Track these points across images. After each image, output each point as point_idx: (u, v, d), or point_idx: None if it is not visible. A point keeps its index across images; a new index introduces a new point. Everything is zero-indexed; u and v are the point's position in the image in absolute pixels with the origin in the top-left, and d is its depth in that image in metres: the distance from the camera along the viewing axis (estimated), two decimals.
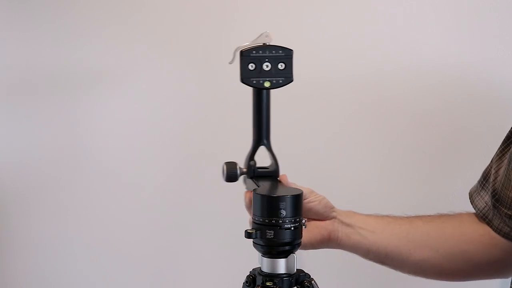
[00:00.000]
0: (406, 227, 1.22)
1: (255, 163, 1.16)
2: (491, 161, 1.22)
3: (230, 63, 1.12)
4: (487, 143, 1.45)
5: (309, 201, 1.16)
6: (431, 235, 1.21)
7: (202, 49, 1.56)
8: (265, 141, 1.16)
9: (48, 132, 1.62)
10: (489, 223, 1.19)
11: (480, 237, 1.19)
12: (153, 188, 1.62)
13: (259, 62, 1.11)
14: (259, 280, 1.06)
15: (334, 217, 1.20)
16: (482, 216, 1.21)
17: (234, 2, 1.56)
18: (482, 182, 1.23)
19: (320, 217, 1.19)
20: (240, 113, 1.56)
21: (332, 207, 1.20)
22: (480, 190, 1.23)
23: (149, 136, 1.61)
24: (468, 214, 1.24)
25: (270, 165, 1.16)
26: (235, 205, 1.50)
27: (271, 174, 1.15)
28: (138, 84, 1.60)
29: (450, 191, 1.50)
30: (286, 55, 1.11)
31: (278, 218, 1.03)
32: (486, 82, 1.48)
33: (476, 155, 1.47)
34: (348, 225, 1.21)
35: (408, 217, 1.24)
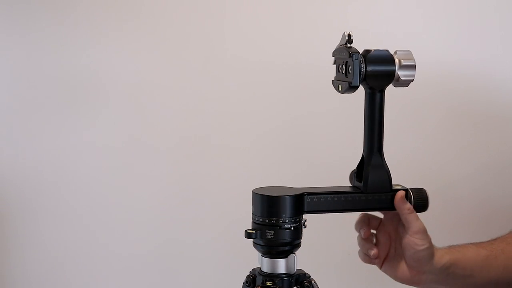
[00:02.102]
0: (502, 258, 1.14)
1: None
2: None
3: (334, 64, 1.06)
4: (487, 142, 1.46)
5: (418, 242, 1.07)
6: None
7: (203, 51, 1.56)
8: (370, 150, 1.07)
9: (49, 132, 1.63)
10: None
11: None
12: (153, 188, 1.62)
13: (339, 64, 1.05)
14: (259, 280, 1.06)
15: (425, 272, 1.09)
16: None
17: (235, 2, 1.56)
18: None
19: (408, 262, 1.10)
20: (238, 113, 1.57)
21: (428, 261, 1.08)
22: None
23: (149, 136, 1.61)
24: None
25: None
26: (235, 205, 1.51)
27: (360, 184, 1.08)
28: (137, 84, 1.60)
29: (450, 189, 1.50)
30: (353, 58, 1.01)
31: (278, 218, 1.03)
32: (487, 80, 1.48)
33: (476, 154, 1.47)
34: (441, 279, 1.10)
35: (490, 243, 1.16)
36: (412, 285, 1.13)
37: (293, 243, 1.05)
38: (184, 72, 1.58)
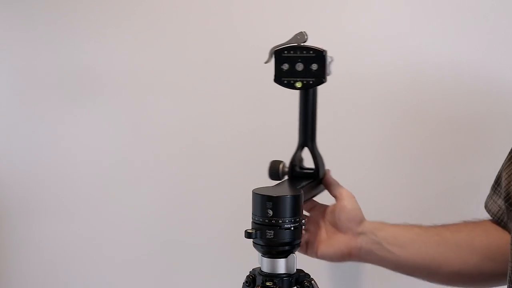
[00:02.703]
0: (436, 239, 1.20)
1: (297, 164, 1.16)
2: (502, 166, 1.21)
3: (266, 62, 1.11)
4: (486, 142, 1.46)
5: (340, 207, 1.16)
6: (461, 246, 1.20)
7: (206, 50, 1.56)
8: (309, 143, 1.16)
9: (49, 132, 1.63)
10: (504, 226, 1.19)
11: (507, 244, 1.16)
12: (153, 188, 1.62)
13: (292, 62, 1.11)
14: (259, 280, 1.06)
15: (359, 233, 1.18)
16: (497, 221, 1.20)
17: (241, 2, 1.56)
18: (494, 187, 1.23)
19: (343, 229, 1.18)
20: (237, 113, 1.57)
21: (360, 222, 1.18)
22: (492, 195, 1.22)
23: (149, 136, 1.61)
24: (491, 221, 1.23)
25: (312, 167, 1.18)
26: (235, 205, 1.51)
27: (310, 176, 1.16)
28: (137, 83, 1.60)
29: (448, 189, 1.50)
30: (318, 55, 1.11)
31: (278, 218, 1.03)
32: (486, 82, 1.48)
33: (476, 154, 1.47)
34: (374, 242, 1.18)
35: (436, 228, 1.22)
36: (350, 258, 1.19)
37: (293, 243, 1.05)
38: (185, 70, 1.58)
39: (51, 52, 1.61)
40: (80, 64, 1.60)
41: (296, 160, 1.18)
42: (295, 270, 1.06)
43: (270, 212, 1.02)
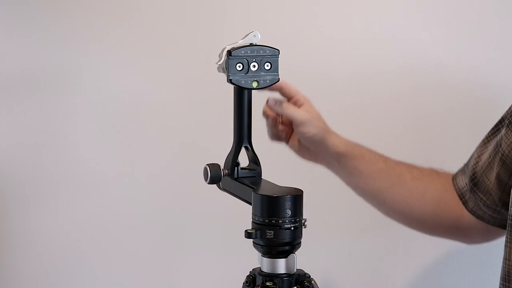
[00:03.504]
0: (394, 180, 1.26)
1: (238, 165, 1.16)
2: (477, 146, 1.24)
3: (218, 63, 1.12)
4: None
5: (304, 131, 1.20)
6: (413, 193, 1.26)
7: (196, 50, 1.56)
8: (247, 142, 1.16)
9: (48, 132, 1.63)
10: (464, 203, 1.24)
11: (456, 205, 1.24)
12: (152, 187, 1.62)
13: (246, 62, 1.11)
14: (259, 280, 1.06)
15: (319, 154, 1.25)
16: (460, 195, 1.25)
17: (232, 1, 1.56)
18: (466, 164, 1.27)
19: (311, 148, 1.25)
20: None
21: (320, 146, 1.22)
22: (463, 171, 1.27)
23: (149, 135, 1.61)
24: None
25: (251, 167, 1.16)
26: (235, 205, 1.51)
27: (255, 175, 1.15)
28: (135, 84, 1.60)
29: None
30: (272, 54, 1.11)
31: (278, 218, 1.03)
32: (486, 83, 1.48)
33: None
34: (338, 162, 1.24)
35: (400, 166, 1.28)
36: (317, 162, 1.28)
37: (293, 243, 1.05)
38: (184, 72, 1.58)
39: (50, 52, 1.61)
40: (78, 64, 1.60)
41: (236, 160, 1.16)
42: (295, 270, 1.06)
43: (286, 212, 1.02)
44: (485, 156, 1.21)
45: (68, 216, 1.65)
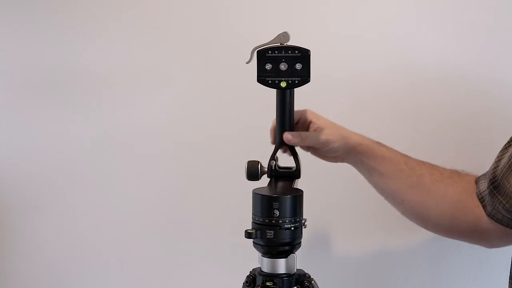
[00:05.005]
0: (413, 181, 1.24)
1: (275, 163, 1.15)
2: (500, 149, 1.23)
3: (248, 62, 1.12)
4: (487, 142, 1.46)
5: (327, 150, 1.20)
6: (432, 195, 1.24)
7: (208, 49, 1.56)
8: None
9: (52, 133, 1.63)
10: (484, 206, 1.21)
11: (475, 208, 1.22)
12: (152, 187, 1.62)
13: (275, 62, 1.11)
14: (259, 280, 1.07)
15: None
16: (480, 198, 1.23)
17: (238, 1, 1.56)
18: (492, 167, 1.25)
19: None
20: (243, 114, 1.57)
21: (347, 146, 1.22)
22: (486, 174, 1.24)
23: (151, 136, 1.61)
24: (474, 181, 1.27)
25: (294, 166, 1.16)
26: (236, 205, 1.51)
27: (291, 175, 1.15)
28: (139, 84, 1.60)
29: None
30: (302, 55, 1.11)
31: (278, 218, 1.03)
32: (486, 81, 1.48)
33: (476, 154, 1.47)
34: (361, 162, 1.24)
35: (421, 167, 1.26)
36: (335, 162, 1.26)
37: (293, 243, 1.05)
38: (182, 69, 1.58)
39: (49, 50, 1.61)
40: (78, 63, 1.60)
41: (276, 159, 1.17)
42: (295, 270, 1.07)
43: (274, 212, 1.02)
44: (505, 159, 1.19)
45: (69, 216, 1.65)
